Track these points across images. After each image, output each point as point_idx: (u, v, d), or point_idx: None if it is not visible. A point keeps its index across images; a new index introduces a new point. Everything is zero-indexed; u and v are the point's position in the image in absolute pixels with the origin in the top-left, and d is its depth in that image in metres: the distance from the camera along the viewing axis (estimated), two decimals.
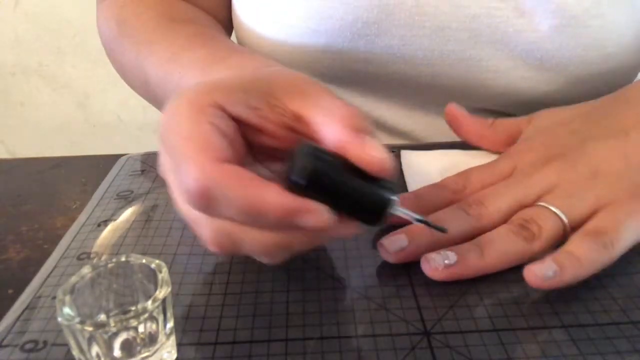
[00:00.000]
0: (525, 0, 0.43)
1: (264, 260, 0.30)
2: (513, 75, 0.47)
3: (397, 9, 0.44)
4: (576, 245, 0.31)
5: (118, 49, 0.49)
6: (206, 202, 0.25)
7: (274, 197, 0.25)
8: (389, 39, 0.46)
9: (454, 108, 0.42)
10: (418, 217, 0.30)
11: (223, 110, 0.28)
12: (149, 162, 0.46)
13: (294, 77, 0.31)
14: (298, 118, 0.29)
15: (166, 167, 0.30)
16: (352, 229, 0.28)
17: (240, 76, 0.31)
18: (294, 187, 0.26)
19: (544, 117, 0.40)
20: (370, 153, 0.27)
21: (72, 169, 0.47)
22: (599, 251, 0.31)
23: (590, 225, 0.32)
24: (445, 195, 0.36)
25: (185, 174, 0.25)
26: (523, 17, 0.44)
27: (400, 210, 0.29)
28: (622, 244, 0.31)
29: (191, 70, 0.39)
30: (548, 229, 0.32)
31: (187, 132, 0.26)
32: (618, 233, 0.31)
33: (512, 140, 0.40)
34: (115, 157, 0.47)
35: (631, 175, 0.34)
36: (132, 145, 1.50)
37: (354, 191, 0.27)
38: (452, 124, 0.43)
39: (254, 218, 0.25)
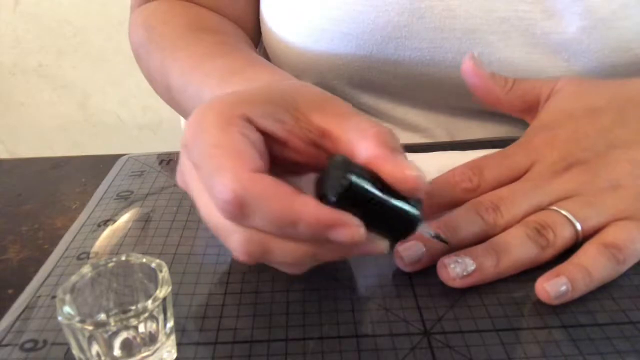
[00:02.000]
0: (554, 2, 0.44)
1: (288, 270, 0.30)
2: (542, 77, 0.47)
3: (427, 12, 0.44)
4: (591, 258, 0.31)
5: (145, 54, 0.49)
6: (240, 211, 0.25)
7: (309, 209, 0.25)
8: (419, 42, 0.46)
9: (472, 65, 0.39)
10: (434, 233, 0.30)
11: (251, 122, 0.28)
12: (149, 163, 0.46)
13: (318, 92, 0.31)
14: (323, 134, 0.29)
15: (188, 175, 0.29)
16: (381, 247, 0.28)
17: (266, 89, 0.31)
18: (326, 200, 0.26)
19: (568, 97, 0.38)
20: (404, 171, 0.26)
21: (72, 169, 0.47)
22: (611, 266, 0.30)
23: (606, 238, 0.31)
24: (457, 195, 0.35)
25: (219, 182, 0.25)
26: (551, 19, 0.44)
27: (422, 228, 0.29)
28: (632, 261, 0.31)
29: (209, 81, 0.39)
30: (563, 237, 0.32)
31: (217, 140, 0.26)
32: (631, 251, 0.31)
33: (528, 109, 0.39)
34: (115, 157, 0.47)
35: None
36: (132, 145, 1.50)
37: (385, 208, 0.27)
38: (471, 81, 0.40)
39: (288, 229, 0.25)
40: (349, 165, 0.27)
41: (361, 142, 0.27)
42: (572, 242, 0.32)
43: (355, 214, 0.26)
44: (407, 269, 0.32)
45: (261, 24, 0.55)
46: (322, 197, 0.27)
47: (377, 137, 0.27)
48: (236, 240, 0.27)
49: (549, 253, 0.32)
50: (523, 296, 0.31)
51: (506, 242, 0.32)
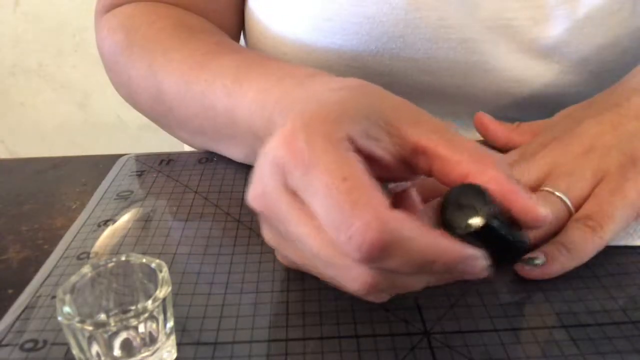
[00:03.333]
0: (539, 7, 0.44)
1: (379, 299, 0.28)
2: (537, 82, 0.47)
3: (422, 22, 0.44)
4: (564, 233, 0.32)
5: (125, 60, 0.46)
6: (382, 254, 0.23)
7: (450, 248, 0.24)
8: (414, 52, 0.46)
9: (482, 116, 0.43)
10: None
11: (352, 142, 0.26)
12: (149, 163, 0.46)
13: (405, 103, 0.29)
14: (417, 150, 0.28)
15: (279, 200, 0.26)
16: (485, 274, 0.26)
17: (354, 101, 0.29)
18: (455, 229, 0.26)
19: (558, 115, 0.41)
20: (536, 210, 0.26)
21: (72, 169, 0.47)
22: (587, 236, 0.31)
23: (578, 213, 0.33)
24: None
25: (360, 222, 0.23)
26: (539, 25, 0.45)
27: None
28: (609, 225, 0.32)
29: (219, 78, 0.38)
30: (552, 211, 0.32)
31: (342, 172, 0.24)
32: (604, 216, 0.32)
33: None
34: (115, 157, 0.47)
35: (621, 144, 0.35)
36: (132, 145, 1.50)
37: (503, 241, 0.27)
38: (481, 131, 0.44)
39: (424, 269, 0.24)
40: (487, 198, 0.26)
41: (483, 170, 0.27)
42: (566, 214, 0.33)
43: (471, 242, 0.25)
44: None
45: (248, 36, 0.54)
46: (451, 226, 0.26)
47: (501, 167, 0.27)
48: (359, 277, 0.25)
49: (543, 229, 0.32)
50: (523, 296, 0.31)
51: None
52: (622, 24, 0.45)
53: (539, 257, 0.31)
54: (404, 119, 0.28)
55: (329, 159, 0.24)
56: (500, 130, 0.43)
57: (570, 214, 0.33)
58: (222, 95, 0.38)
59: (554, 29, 0.45)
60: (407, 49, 0.46)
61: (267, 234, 0.30)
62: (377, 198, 0.24)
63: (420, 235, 0.23)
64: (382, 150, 0.27)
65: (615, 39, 0.45)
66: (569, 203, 0.33)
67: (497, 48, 0.46)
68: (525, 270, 0.31)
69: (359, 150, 0.26)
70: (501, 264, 0.28)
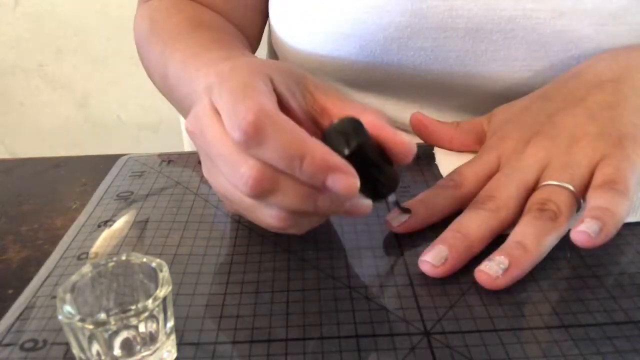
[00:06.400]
0: (563, 0, 0.44)
1: (282, 224, 0.31)
2: (548, 74, 0.47)
3: (429, 12, 0.45)
4: (599, 198, 0.32)
5: (147, 45, 0.53)
6: (257, 134, 0.27)
7: (318, 147, 0.27)
8: (422, 41, 0.47)
9: (420, 116, 0.45)
10: (397, 202, 0.34)
11: (272, 83, 0.31)
12: (149, 163, 0.46)
13: (319, 80, 0.34)
14: (324, 112, 0.33)
15: (205, 116, 0.31)
16: (365, 207, 0.31)
17: (282, 63, 0.35)
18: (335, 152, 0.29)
19: (503, 111, 0.43)
20: (400, 137, 0.31)
21: (72, 169, 0.47)
22: (619, 197, 0.32)
23: (598, 180, 0.34)
24: (447, 193, 0.37)
25: (244, 106, 0.28)
26: (562, 18, 0.44)
27: (391, 196, 0.33)
28: (631, 187, 0.33)
29: (205, 69, 0.42)
30: (564, 202, 0.34)
31: (248, 81, 0.30)
32: (624, 179, 0.33)
33: (478, 139, 0.43)
34: (115, 157, 0.47)
35: (604, 129, 0.36)
36: (132, 145, 1.50)
37: (376, 170, 0.31)
38: (421, 132, 0.45)
39: (295, 163, 0.27)
40: (361, 125, 0.30)
41: (361, 116, 0.31)
42: (575, 203, 0.34)
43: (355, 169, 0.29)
44: (435, 274, 0.32)
45: (270, 31, 0.57)
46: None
47: (376, 113, 0.32)
48: (250, 167, 0.28)
49: (562, 220, 0.33)
50: (523, 296, 0.31)
51: (523, 232, 0.33)
52: None
53: (593, 224, 0.31)
54: (318, 87, 0.34)
55: (243, 76, 0.30)
56: (442, 129, 0.44)
57: (578, 203, 0.34)
58: (202, 82, 0.40)
59: (577, 23, 0.44)
60: (415, 38, 0.46)
61: (203, 168, 0.34)
62: (268, 99, 0.29)
63: (291, 128, 0.28)
64: (296, 103, 0.32)
65: (637, 39, 0.44)
66: (575, 191, 0.34)
67: (509, 39, 0.46)
68: (589, 238, 0.31)
69: (277, 94, 0.31)
70: (377, 200, 0.32)
